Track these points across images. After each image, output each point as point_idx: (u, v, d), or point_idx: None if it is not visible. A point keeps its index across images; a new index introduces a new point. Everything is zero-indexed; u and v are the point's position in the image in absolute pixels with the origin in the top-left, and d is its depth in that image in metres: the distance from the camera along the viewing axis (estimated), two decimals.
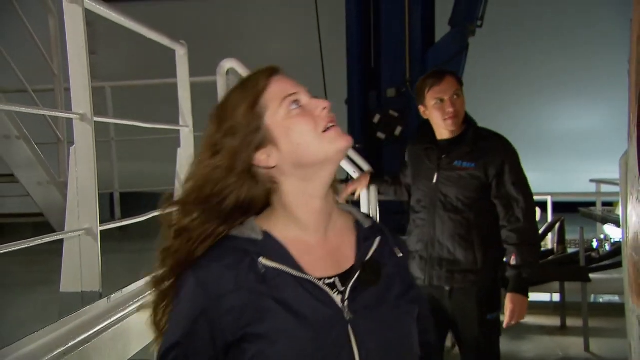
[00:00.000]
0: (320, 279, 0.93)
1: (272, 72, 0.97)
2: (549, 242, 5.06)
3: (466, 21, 6.26)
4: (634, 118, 1.69)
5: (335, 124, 0.94)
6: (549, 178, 9.63)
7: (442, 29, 6.62)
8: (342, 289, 0.93)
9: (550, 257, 4.59)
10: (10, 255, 1.59)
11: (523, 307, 2.23)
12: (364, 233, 1.01)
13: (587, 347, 3.93)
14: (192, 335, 0.89)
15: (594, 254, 4.61)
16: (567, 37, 10.06)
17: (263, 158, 0.94)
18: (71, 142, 1.87)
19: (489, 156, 2.25)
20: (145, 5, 8.95)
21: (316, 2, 6.42)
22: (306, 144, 0.92)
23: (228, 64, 2.90)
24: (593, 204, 6.42)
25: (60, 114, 2.07)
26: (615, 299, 4.97)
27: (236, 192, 0.94)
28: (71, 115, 1.94)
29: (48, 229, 2.80)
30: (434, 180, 2.29)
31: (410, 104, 6.46)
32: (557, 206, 5.48)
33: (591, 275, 4.16)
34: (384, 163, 6.50)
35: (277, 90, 0.95)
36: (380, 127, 6.50)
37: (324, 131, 0.93)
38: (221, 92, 2.86)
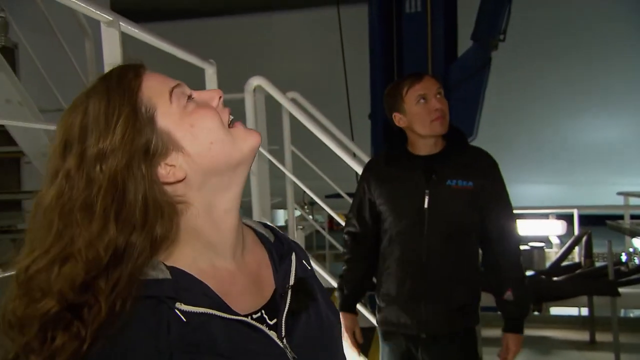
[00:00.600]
0: (247, 315, 0.74)
1: (137, 68, 0.76)
2: (576, 255, 5.00)
3: (489, 35, 6.28)
4: None
5: (233, 122, 0.78)
6: (575, 191, 9.50)
7: (464, 44, 6.64)
8: (272, 322, 0.76)
9: (577, 271, 4.54)
10: None
11: (519, 346, 2.05)
12: (275, 249, 0.85)
13: None
14: None
15: (623, 268, 4.54)
16: (591, 49, 9.96)
17: (165, 172, 0.72)
18: None
19: (482, 172, 1.93)
20: (174, 24, 9.21)
21: (339, 21, 6.52)
22: (219, 142, 0.73)
23: (255, 81, 2.99)
24: (621, 217, 6.32)
25: None
26: None
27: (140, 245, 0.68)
28: None
29: None
30: (426, 205, 1.88)
31: None
32: (583, 219, 5.42)
33: (620, 290, 4.10)
34: None
35: (156, 84, 0.74)
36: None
37: (230, 126, 0.77)
38: (249, 109, 2.94)
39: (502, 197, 1.96)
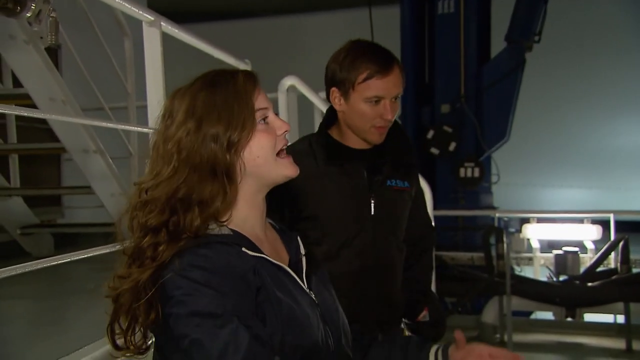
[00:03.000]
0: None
1: (255, 79, 1.01)
2: (612, 261, 4.89)
3: (523, 37, 6.19)
4: None
5: (284, 151, 1.03)
6: (610, 195, 9.27)
7: (498, 45, 6.57)
8: (298, 277, 1.02)
9: (613, 277, 4.44)
10: (84, 262, 1.72)
11: None
12: (283, 232, 1.12)
13: None
14: (241, 298, 0.88)
15: None
16: (626, 51, 9.73)
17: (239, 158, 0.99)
18: (142, 156, 2.01)
19: (415, 170, 1.70)
20: (209, 25, 9.35)
21: (371, 21, 6.52)
22: (262, 159, 0.98)
23: (289, 81, 3.02)
24: None
25: (139, 128, 2.23)
26: None
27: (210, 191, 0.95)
28: (148, 130, 2.09)
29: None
30: (372, 212, 1.56)
31: (465, 120, 6.44)
32: (620, 225, 5.29)
33: None
34: (437, 178, 6.48)
35: (259, 101, 0.99)
36: (433, 143, 6.48)
37: (278, 154, 1.00)
38: (282, 107, 2.98)
39: (424, 202, 1.78)
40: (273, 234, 1.09)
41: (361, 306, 1.54)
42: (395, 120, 1.59)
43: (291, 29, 10.73)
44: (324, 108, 3.11)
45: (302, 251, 1.09)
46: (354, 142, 1.59)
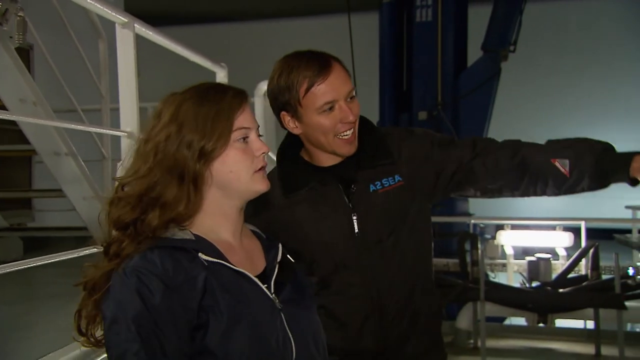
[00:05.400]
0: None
1: (243, 98, 1.07)
2: (583, 268, 4.98)
3: (499, 46, 6.29)
4: None
5: (264, 169, 1.09)
6: (582, 203, 9.42)
7: (475, 54, 6.66)
8: (265, 285, 1.05)
9: (584, 283, 4.51)
10: (54, 267, 1.69)
11: None
12: (266, 242, 1.17)
13: None
14: (161, 313, 0.91)
15: (630, 281, 4.51)
16: (597, 62, 9.97)
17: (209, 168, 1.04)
18: (115, 159, 1.99)
19: (406, 154, 1.44)
20: (185, 28, 9.29)
21: (350, 27, 6.56)
22: (236, 175, 1.04)
23: (265, 85, 3.02)
24: (629, 230, 6.28)
25: (111, 131, 2.20)
26: None
27: (172, 194, 1.00)
28: (120, 133, 2.06)
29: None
30: (356, 230, 1.40)
31: (441, 127, 6.50)
32: (591, 232, 5.39)
33: (627, 303, 4.07)
34: None
35: (241, 119, 1.05)
36: None
37: (257, 171, 1.06)
38: (259, 112, 2.97)
39: (464, 140, 1.47)
40: (253, 243, 1.15)
41: (372, 332, 1.41)
42: (364, 119, 1.45)
43: (270, 34, 10.72)
44: None
45: (278, 259, 1.13)
46: (326, 160, 1.42)
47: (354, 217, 1.39)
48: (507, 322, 5.31)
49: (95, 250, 1.04)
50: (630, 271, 4.94)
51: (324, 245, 1.40)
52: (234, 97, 1.05)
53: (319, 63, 1.33)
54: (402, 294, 1.43)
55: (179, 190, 0.99)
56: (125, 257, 0.96)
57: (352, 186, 1.40)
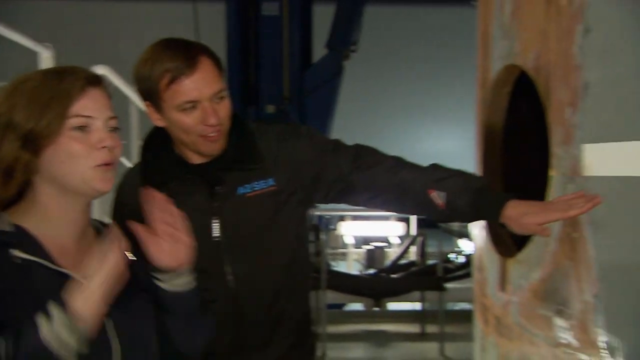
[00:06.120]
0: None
1: (86, 84, 0.95)
2: (412, 254, 5.46)
3: (342, 45, 6.60)
4: (479, 154, 1.96)
5: (110, 166, 0.96)
6: None
7: (320, 52, 6.91)
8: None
9: (412, 269, 4.96)
10: None
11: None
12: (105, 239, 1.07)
13: (442, 352, 4.29)
14: None
15: (450, 265, 5.06)
16: (436, 63, 10.91)
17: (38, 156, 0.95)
18: None
19: (287, 154, 1.35)
20: (13, 2, 8.26)
21: (196, 18, 6.38)
22: (69, 167, 0.94)
23: (99, 70, 2.80)
24: None
25: None
26: (469, 306, 5.47)
27: None
28: None
29: None
30: (215, 234, 1.31)
31: (289, 122, 6.65)
32: (421, 222, 5.91)
33: (447, 285, 4.56)
34: None
35: (80, 106, 0.94)
36: None
37: (98, 165, 0.94)
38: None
39: (347, 148, 1.42)
40: (92, 243, 1.03)
41: (231, 336, 1.34)
42: (237, 116, 1.34)
43: (108, 15, 9.96)
44: (140, 104, 2.95)
45: None
46: (192, 157, 1.31)
47: (215, 221, 1.30)
48: (347, 308, 5.63)
49: None
50: (451, 256, 5.55)
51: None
52: (75, 81, 0.94)
53: (185, 57, 1.21)
54: (266, 300, 1.36)
55: None
56: None
57: (216, 188, 1.31)
